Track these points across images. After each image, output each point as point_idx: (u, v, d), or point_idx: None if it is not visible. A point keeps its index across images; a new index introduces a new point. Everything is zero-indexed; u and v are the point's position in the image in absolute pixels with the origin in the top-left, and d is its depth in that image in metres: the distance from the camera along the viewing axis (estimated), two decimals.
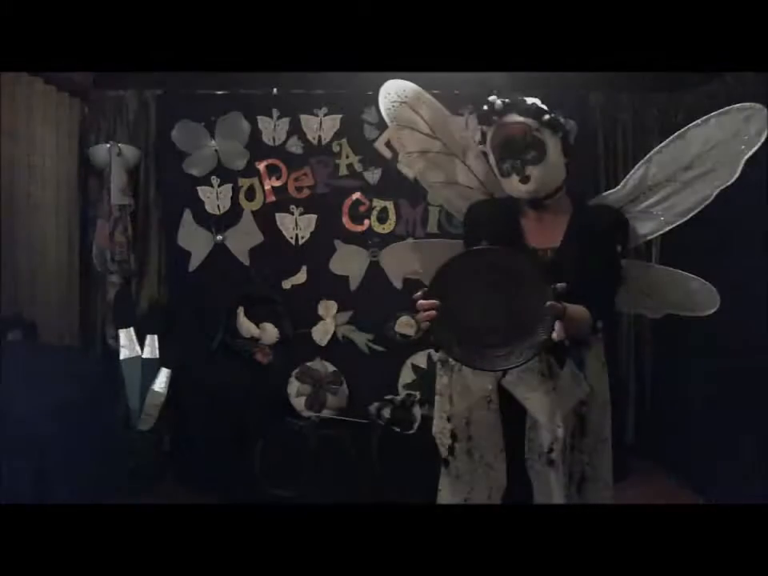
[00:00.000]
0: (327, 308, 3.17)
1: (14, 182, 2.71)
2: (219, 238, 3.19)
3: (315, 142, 3.18)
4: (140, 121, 3.26)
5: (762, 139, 1.44)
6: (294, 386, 3.05)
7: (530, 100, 1.47)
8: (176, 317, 3.17)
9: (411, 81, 1.66)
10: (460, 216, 1.65)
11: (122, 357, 2.95)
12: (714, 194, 1.50)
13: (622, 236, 1.51)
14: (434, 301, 1.29)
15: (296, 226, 3.19)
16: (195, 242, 3.20)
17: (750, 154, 1.45)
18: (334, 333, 3.16)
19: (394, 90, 1.63)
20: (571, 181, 1.55)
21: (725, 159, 1.47)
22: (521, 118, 1.44)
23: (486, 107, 1.46)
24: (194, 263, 3.20)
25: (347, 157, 3.17)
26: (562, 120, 1.49)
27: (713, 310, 1.65)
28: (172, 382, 2.98)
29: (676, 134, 1.54)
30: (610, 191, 1.63)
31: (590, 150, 3.18)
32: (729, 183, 1.48)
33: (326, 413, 2.97)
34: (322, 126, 3.17)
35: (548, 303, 1.24)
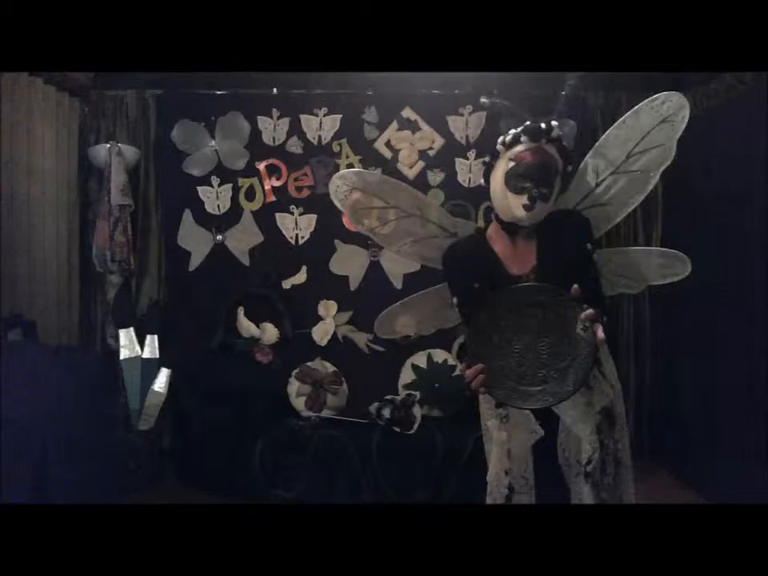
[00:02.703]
0: (327, 308, 3.17)
1: (14, 182, 2.71)
2: (219, 237, 3.19)
3: (315, 141, 3.18)
4: (140, 121, 3.26)
5: (686, 121, 1.56)
6: (293, 386, 3.05)
7: (566, 143, 1.52)
8: (176, 317, 3.17)
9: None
10: (438, 265, 1.67)
11: (121, 357, 2.95)
12: (658, 175, 1.60)
13: (588, 234, 1.55)
14: (479, 365, 1.31)
15: (296, 225, 3.19)
16: (195, 241, 3.20)
17: (680, 134, 1.57)
18: (334, 333, 3.16)
19: (341, 182, 1.68)
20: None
21: (659, 142, 1.58)
22: (557, 156, 1.49)
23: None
24: (194, 263, 3.20)
25: (347, 157, 3.17)
26: (569, 168, 1.55)
27: (686, 273, 1.73)
28: (172, 382, 2.99)
29: (611, 128, 1.62)
30: (561, 195, 1.65)
31: (589, 150, 3.18)
32: (669, 163, 1.59)
33: (325, 413, 2.97)
34: (321, 125, 3.17)
35: (583, 314, 1.27)
